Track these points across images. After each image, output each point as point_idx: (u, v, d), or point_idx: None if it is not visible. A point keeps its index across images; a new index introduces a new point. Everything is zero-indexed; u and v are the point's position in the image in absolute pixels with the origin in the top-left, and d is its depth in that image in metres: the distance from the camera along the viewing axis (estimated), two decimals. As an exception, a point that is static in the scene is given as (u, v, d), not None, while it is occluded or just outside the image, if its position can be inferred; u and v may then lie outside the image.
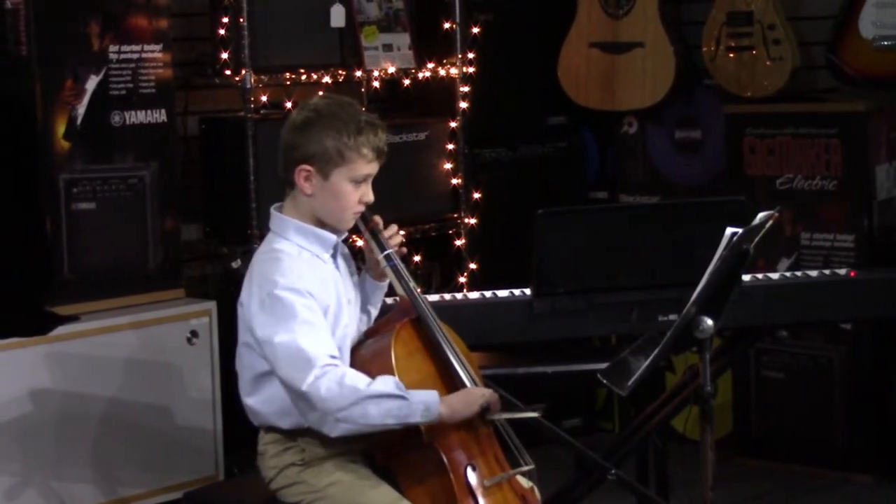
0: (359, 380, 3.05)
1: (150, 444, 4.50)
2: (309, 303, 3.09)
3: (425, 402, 3.05)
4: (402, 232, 3.36)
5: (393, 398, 3.03)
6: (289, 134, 3.20)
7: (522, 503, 3.23)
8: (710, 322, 3.14)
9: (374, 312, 3.44)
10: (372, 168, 3.19)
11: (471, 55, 5.22)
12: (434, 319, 3.23)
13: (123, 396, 4.44)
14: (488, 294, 3.93)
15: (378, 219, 3.29)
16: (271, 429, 3.22)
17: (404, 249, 3.36)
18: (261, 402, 3.20)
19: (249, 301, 3.14)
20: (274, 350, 3.07)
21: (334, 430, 3.06)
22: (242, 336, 3.20)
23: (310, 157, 3.15)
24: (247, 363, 3.20)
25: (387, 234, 3.30)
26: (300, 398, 3.07)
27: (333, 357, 3.07)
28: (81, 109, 4.45)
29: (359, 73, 4.97)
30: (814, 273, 4.13)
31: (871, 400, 5.05)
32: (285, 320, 3.06)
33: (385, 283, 3.38)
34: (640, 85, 5.39)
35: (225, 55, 4.74)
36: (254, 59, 4.67)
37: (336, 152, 3.14)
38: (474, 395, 3.14)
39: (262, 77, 4.71)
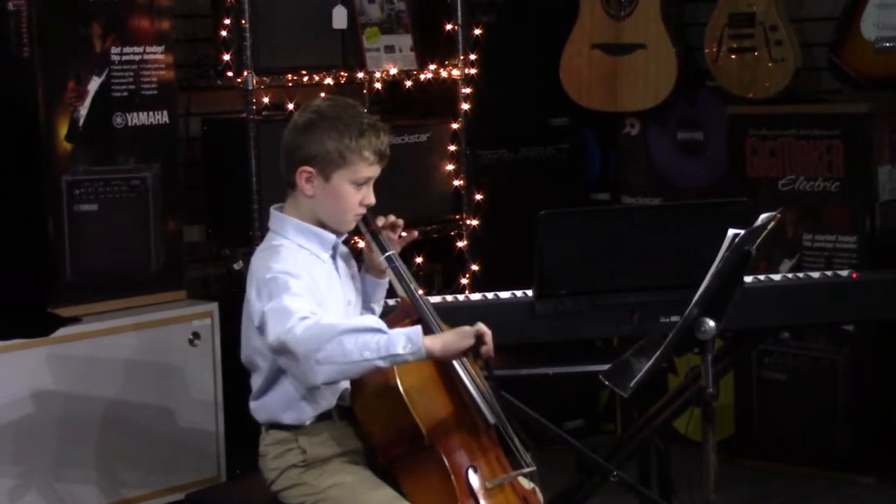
0: (336, 320, 3.02)
1: (152, 446, 4.50)
2: (301, 283, 3.08)
3: (407, 334, 2.98)
4: (404, 234, 3.37)
5: (371, 331, 2.97)
6: (291, 135, 3.21)
7: (524, 505, 3.23)
8: (712, 324, 3.14)
9: (378, 310, 3.44)
10: (373, 171, 3.20)
11: (473, 57, 5.22)
12: (435, 321, 3.23)
13: (125, 398, 4.44)
14: (490, 295, 3.94)
15: (392, 217, 3.30)
16: (273, 427, 3.22)
17: (416, 233, 3.36)
18: (267, 399, 3.20)
19: (250, 293, 3.15)
20: (265, 320, 3.05)
21: (318, 375, 2.98)
22: (254, 341, 3.19)
23: (311, 159, 3.16)
24: (256, 364, 3.21)
25: (395, 235, 3.31)
26: (285, 354, 3.02)
27: (315, 313, 3.03)
28: (83, 111, 4.45)
29: (361, 75, 4.97)
30: (816, 274, 4.13)
31: (874, 401, 5.05)
32: (276, 294, 3.05)
33: (386, 281, 3.39)
34: (643, 86, 5.39)
35: (227, 57, 4.74)
36: (256, 60, 4.67)
37: (337, 154, 3.15)
38: (465, 329, 3.07)
39: (264, 79, 4.70)
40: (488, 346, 3.08)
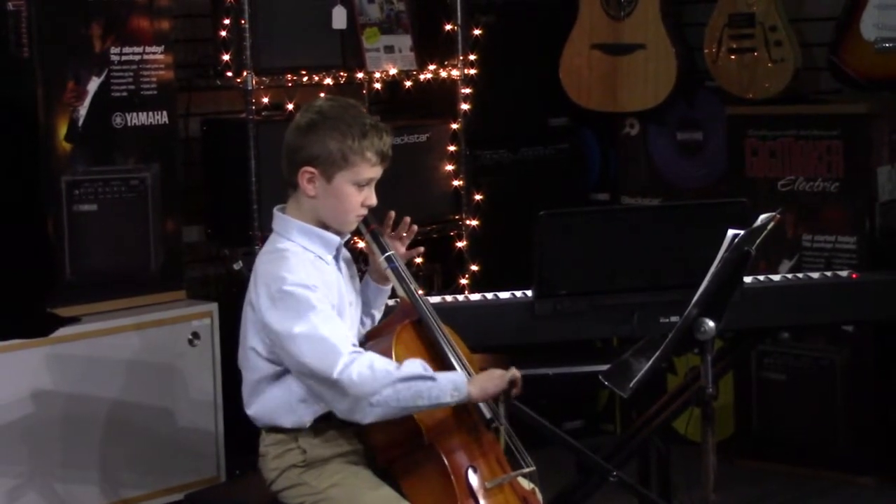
0: (388, 363, 3.07)
1: (151, 446, 4.50)
2: (321, 296, 3.11)
3: (454, 382, 3.07)
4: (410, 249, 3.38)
5: (423, 379, 3.05)
6: (293, 135, 3.20)
7: (524, 505, 3.23)
8: (711, 324, 3.14)
9: (378, 316, 3.44)
10: (375, 172, 3.19)
11: (472, 57, 5.22)
12: (435, 321, 3.23)
13: (125, 398, 4.44)
14: (490, 296, 3.94)
15: (391, 213, 3.31)
16: (273, 430, 3.22)
17: (421, 249, 3.39)
18: (264, 402, 3.20)
19: (258, 300, 3.14)
20: (295, 341, 3.06)
21: (368, 416, 3.06)
22: (250, 340, 3.19)
23: (313, 160, 3.16)
24: (252, 365, 3.20)
25: (393, 233, 3.31)
26: (329, 387, 3.06)
27: (355, 346, 3.10)
28: (83, 111, 4.45)
29: (360, 75, 4.97)
30: (815, 275, 4.13)
31: (873, 402, 5.05)
32: (301, 312, 3.06)
33: (388, 287, 3.38)
34: (642, 86, 5.39)
35: (226, 57, 4.74)
36: (255, 60, 4.67)
37: (340, 155, 3.14)
38: (499, 371, 3.15)
39: (264, 79, 4.70)
40: (518, 390, 3.16)
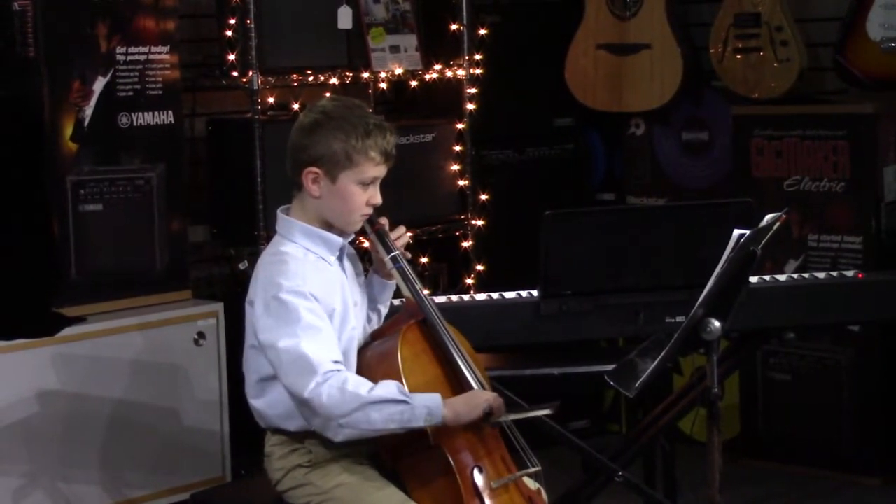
0: (361, 385, 3.04)
1: (156, 446, 4.50)
2: (313, 306, 3.09)
3: (428, 406, 3.04)
4: (409, 234, 3.36)
5: (396, 403, 3.02)
6: (297, 135, 3.20)
7: (529, 505, 3.23)
8: (717, 324, 3.14)
9: (384, 311, 3.44)
10: (380, 171, 3.19)
11: (478, 57, 5.22)
12: (440, 321, 3.23)
13: (130, 398, 4.44)
14: (495, 295, 3.93)
15: (384, 220, 3.29)
16: (278, 430, 3.22)
17: (408, 254, 3.36)
18: (267, 404, 3.20)
19: (255, 303, 3.14)
20: (278, 355, 3.07)
21: (338, 436, 3.06)
22: (249, 338, 3.20)
23: (318, 160, 3.15)
24: (253, 365, 3.20)
25: (393, 235, 3.30)
26: (303, 404, 3.08)
27: (337, 362, 3.06)
28: (89, 111, 4.45)
29: (366, 75, 4.97)
30: (821, 275, 4.12)
31: (879, 402, 5.04)
32: (289, 324, 3.06)
33: (393, 282, 3.38)
34: (648, 86, 5.39)
35: (232, 56, 4.74)
36: (261, 60, 4.67)
37: (344, 155, 3.14)
38: (478, 398, 3.13)
39: (270, 78, 4.70)
40: (496, 417, 3.13)
